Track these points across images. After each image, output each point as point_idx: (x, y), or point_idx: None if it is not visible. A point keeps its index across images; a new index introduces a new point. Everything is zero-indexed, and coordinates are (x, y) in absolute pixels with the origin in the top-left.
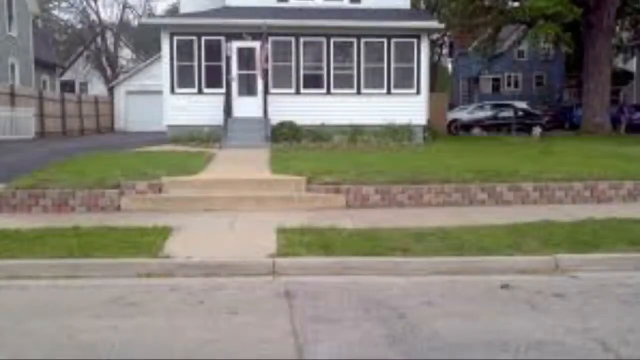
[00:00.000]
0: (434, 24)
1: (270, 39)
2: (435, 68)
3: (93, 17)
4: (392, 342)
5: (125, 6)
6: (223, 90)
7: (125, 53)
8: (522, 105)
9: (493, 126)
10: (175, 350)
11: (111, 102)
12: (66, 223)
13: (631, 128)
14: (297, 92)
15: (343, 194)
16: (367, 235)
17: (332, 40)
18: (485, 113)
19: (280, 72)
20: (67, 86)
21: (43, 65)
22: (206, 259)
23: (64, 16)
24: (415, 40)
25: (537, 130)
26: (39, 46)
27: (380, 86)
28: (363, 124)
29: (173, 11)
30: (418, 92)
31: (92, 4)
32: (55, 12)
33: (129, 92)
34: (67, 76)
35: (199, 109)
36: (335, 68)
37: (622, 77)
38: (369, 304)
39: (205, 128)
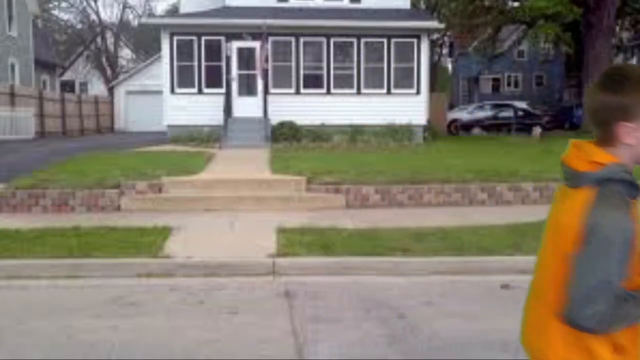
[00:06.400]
0: (434, 24)
1: (270, 39)
2: (435, 68)
3: (93, 17)
4: (392, 342)
5: (125, 6)
6: (223, 90)
7: (125, 53)
8: (522, 105)
9: (493, 126)
10: (175, 350)
11: (111, 102)
12: (66, 223)
13: None
14: (297, 92)
15: (343, 194)
16: (367, 235)
17: (332, 40)
18: (485, 113)
19: (280, 72)
20: (67, 86)
21: (43, 65)
22: (206, 259)
23: (64, 16)
24: (415, 40)
25: (537, 130)
26: (39, 46)
27: (380, 86)
28: (363, 124)
29: (173, 11)
30: (418, 92)
31: (92, 4)
32: (55, 12)
33: (129, 92)
34: (67, 76)
35: (199, 109)
36: (335, 68)
37: None
38: (369, 304)
39: (205, 128)
